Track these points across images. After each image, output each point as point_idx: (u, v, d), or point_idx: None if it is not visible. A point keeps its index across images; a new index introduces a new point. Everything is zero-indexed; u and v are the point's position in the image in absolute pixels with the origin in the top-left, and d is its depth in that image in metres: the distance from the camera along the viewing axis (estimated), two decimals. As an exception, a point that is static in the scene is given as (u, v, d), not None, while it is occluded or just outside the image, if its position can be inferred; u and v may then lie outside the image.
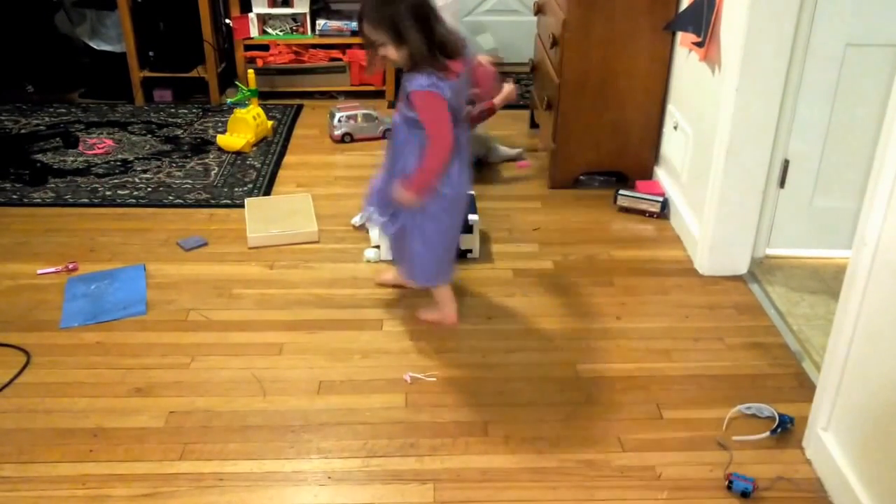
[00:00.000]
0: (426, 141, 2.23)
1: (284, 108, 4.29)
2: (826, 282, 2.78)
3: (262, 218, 3.13)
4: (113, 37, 4.26)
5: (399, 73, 4.50)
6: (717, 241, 2.82)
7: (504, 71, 4.77)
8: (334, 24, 4.35)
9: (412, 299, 2.72)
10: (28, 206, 3.30)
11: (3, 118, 4.13)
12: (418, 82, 2.15)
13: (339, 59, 4.37)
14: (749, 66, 2.53)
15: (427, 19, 2.13)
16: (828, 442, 2.01)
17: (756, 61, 2.53)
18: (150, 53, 4.26)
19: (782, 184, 2.78)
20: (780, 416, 2.19)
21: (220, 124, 4.07)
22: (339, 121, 3.88)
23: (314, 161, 3.74)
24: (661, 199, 3.24)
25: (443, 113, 2.18)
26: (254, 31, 4.30)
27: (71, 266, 2.85)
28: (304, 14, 4.30)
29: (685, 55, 3.09)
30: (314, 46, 4.36)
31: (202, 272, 2.86)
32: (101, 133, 3.98)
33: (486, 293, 2.77)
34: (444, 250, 2.47)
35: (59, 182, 3.49)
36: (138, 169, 3.63)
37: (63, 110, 4.25)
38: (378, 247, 2.95)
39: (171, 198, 3.38)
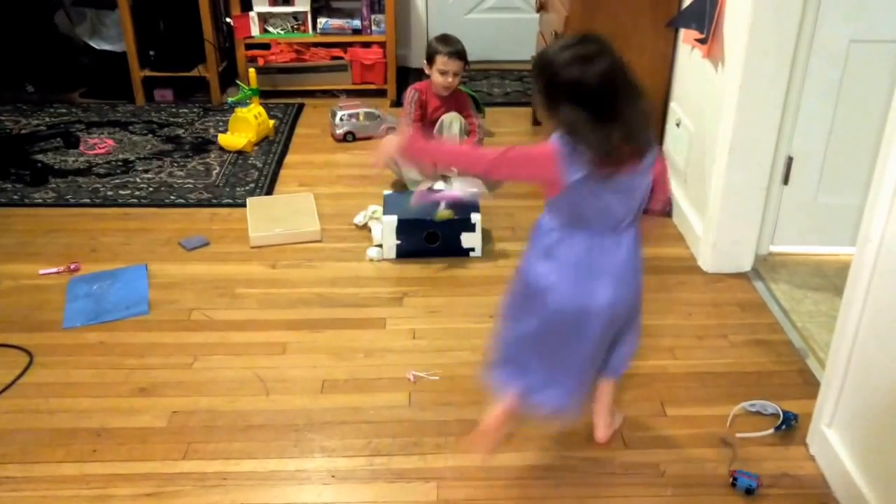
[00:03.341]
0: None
1: (286, 107, 4.29)
2: (830, 278, 2.77)
3: (264, 217, 3.13)
4: (113, 36, 4.26)
5: (406, 76, 4.47)
6: (720, 239, 2.81)
7: (505, 69, 4.79)
8: (335, 22, 4.34)
9: (414, 298, 2.72)
10: (29, 207, 3.30)
11: (3, 118, 4.13)
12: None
13: (341, 58, 4.37)
14: (752, 63, 2.53)
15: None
16: (832, 438, 2.01)
17: (760, 58, 2.52)
18: (151, 53, 4.26)
19: (786, 181, 2.78)
20: (784, 412, 2.18)
21: (221, 123, 4.06)
22: (341, 119, 3.87)
23: (316, 160, 3.74)
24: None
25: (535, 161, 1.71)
26: (255, 30, 4.30)
27: (73, 266, 2.85)
28: (306, 12, 4.30)
29: (688, 52, 3.09)
30: (315, 45, 4.36)
31: (204, 272, 2.86)
32: (102, 133, 3.98)
33: (488, 291, 2.76)
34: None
35: (60, 182, 3.49)
36: (139, 169, 3.62)
37: (63, 110, 4.24)
38: (380, 246, 2.94)
39: (172, 198, 3.38)
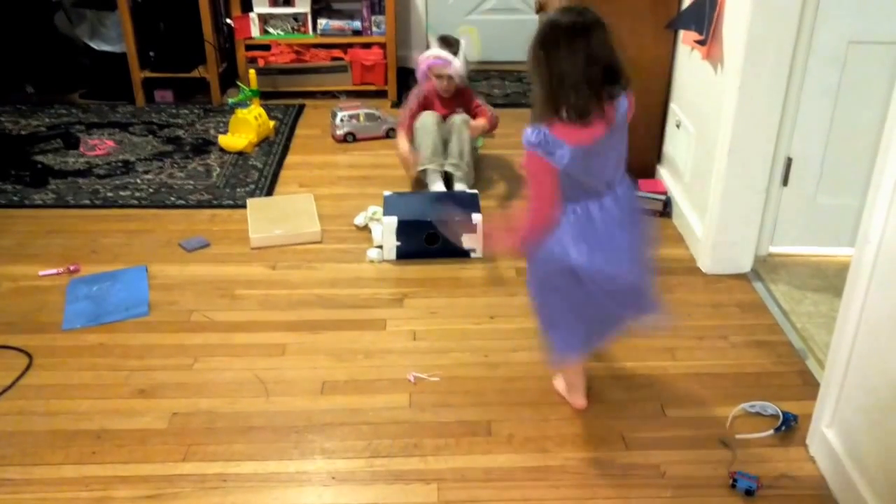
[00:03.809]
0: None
1: (286, 108, 4.29)
2: (829, 279, 2.78)
3: (265, 218, 3.13)
4: (113, 37, 4.26)
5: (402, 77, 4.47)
6: (720, 240, 2.81)
7: (505, 70, 4.80)
8: (335, 23, 4.35)
9: (414, 299, 2.72)
10: (29, 208, 3.30)
11: (3, 119, 4.13)
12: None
13: (341, 59, 4.37)
14: (751, 64, 2.53)
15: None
16: (831, 439, 2.01)
17: (758, 59, 2.52)
18: (151, 54, 4.26)
19: (785, 181, 2.78)
20: (784, 413, 2.18)
21: (221, 124, 4.07)
22: (342, 120, 3.87)
23: (316, 161, 3.74)
24: (663, 197, 3.24)
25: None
26: (255, 31, 4.30)
27: (73, 268, 2.85)
28: (306, 13, 4.30)
29: (687, 53, 3.09)
30: (315, 46, 4.36)
31: (204, 273, 2.86)
32: (102, 134, 3.98)
33: (488, 292, 2.77)
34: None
35: (60, 183, 3.49)
36: (140, 170, 3.63)
37: (63, 111, 4.25)
38: (381, 247, 2.95)
39: (172, 199, 3.38)
